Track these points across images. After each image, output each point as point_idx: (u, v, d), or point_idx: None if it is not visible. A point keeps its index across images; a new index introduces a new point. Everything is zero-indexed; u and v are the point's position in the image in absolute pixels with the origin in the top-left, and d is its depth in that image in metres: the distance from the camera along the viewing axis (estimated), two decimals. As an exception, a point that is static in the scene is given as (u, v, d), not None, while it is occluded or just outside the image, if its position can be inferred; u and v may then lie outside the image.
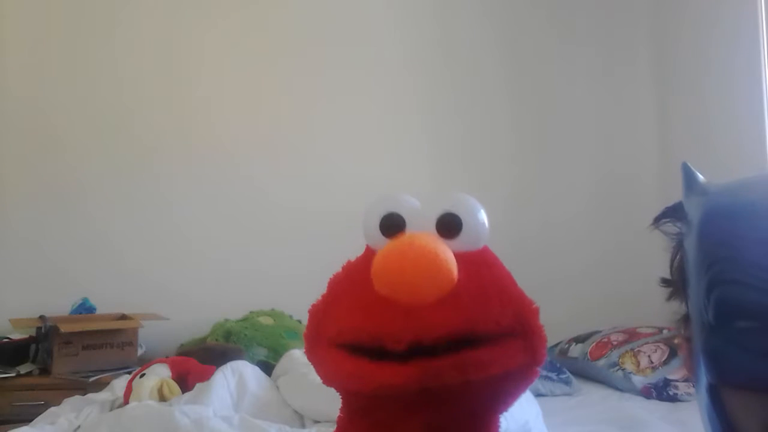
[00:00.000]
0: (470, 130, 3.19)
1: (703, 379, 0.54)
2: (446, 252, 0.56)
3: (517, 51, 3.25)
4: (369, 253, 0.63)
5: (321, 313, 0.63)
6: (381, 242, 0.61)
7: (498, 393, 0.60)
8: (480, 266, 0.61)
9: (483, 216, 0.63)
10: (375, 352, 0.56)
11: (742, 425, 0.52)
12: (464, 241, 0.61)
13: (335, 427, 0.64)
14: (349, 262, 0.66)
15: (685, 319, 0.59)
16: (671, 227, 0.63)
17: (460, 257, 0.57)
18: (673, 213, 0.63)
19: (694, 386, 0.58)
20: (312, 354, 0.63)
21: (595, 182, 3.25)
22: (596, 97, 3.27)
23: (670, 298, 0.62)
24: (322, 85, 3.07)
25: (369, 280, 0.57)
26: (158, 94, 2.96)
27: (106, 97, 2.93)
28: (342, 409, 0.63)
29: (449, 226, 0.61)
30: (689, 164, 0.62)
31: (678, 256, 0.61)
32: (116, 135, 2.92)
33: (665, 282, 0.63)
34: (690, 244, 0.56)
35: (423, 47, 3.18)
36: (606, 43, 3.29)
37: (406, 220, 0.62)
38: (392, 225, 0.62)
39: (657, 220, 0.64)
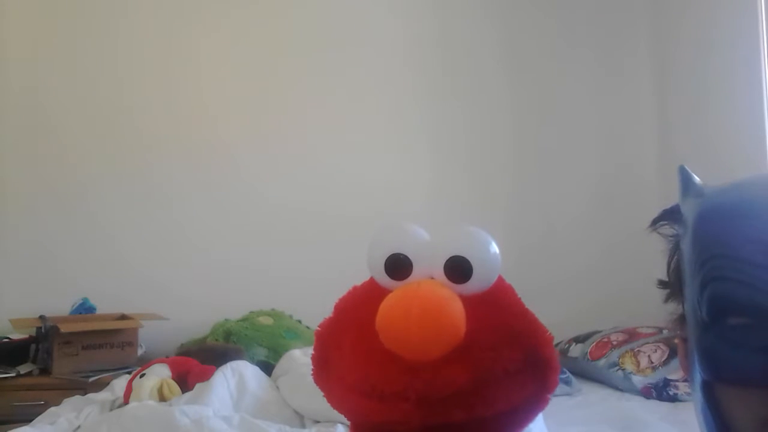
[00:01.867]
0: (471, 130, 3.19)
1: (698, 377, 0.55)
2: (453, 304, 0.54)
3: (517, 51, 3.25)
4: (374, 286, 0.61)
5: (327, 341, 0.62)
6: (386, 282, 0.60)
7: (506, 426, 0.58)
8: (491, 309, 0.58)
9: (494, 252, 0.60)
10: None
11: (736, 421, 0.52)
12: (474, 285, 0.58)
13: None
14: (355, 289, 0.64)
15: (681, 319, 0.60)
16: (668, 229, 0.63)
17: (468, 300, 0.55)
18: (671, 215, 0.63)
19: (689, 386, 0.58)
20: (319, 379, 0.63)
21: (595, 182, 3.25)
22: (596, 98, 3.27)
23: (667, 299, 0.63)
24: (322, 86, 3.07)
25: (372, 324, 0.55)
26: (158, 95, 2.96)
27: (106, 97, 2.92)
28: (351, 429, 0.63)
29: (458, 270, 0.58)
30: (686, 167, 0.62)
31: (675, 258, 0.62)
32: (116, 135, 2.92)
33: (662, 284, 0.64)
34: (686, 245, 0.57)
35: (423, 47, 3.18)
36: (606, 43, 3.29)
37: (413, 262, 0.60)
38: (398, 266, 0.60)
39: (654, 223, 0.65)
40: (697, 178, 0.61)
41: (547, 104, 3.25)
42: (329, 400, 0.62)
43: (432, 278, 0.59)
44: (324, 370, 0.62)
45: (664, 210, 0.65)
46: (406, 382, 0.53)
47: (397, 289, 0.58)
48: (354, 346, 0.58)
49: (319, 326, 0.64)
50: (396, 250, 0.60)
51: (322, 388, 0.62)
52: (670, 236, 0.63)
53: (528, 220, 3.13)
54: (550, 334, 0.60)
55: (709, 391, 0.54)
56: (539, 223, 3.16)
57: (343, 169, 3.03)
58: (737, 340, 0.50)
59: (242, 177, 2.98)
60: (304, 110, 3.05)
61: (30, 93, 2.88)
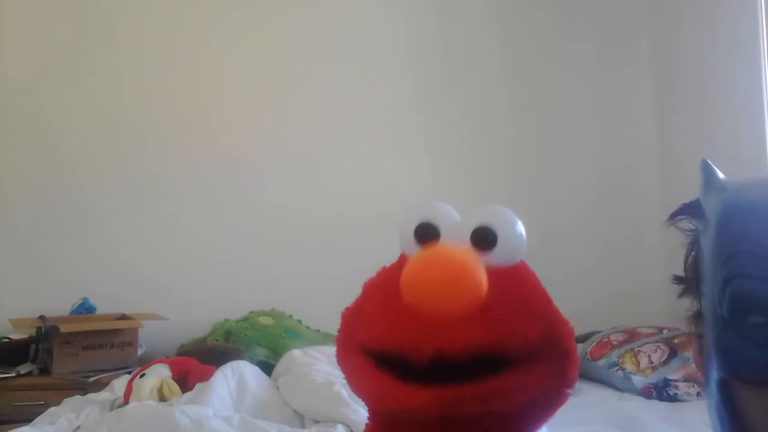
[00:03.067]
0: (471, 130, 3.19)
1: (714, 375, 0.54)
2: (477, 265, 0.55)
3: (517, 50, 3.24)
4: (402, 261, 0.62)
5: (353, 317, 0.63)
6: (415, 250, 0.61)
7: (524, 420, 0.58)
8: (513, 283, 0.59)
9: (520, 230, 0.62)
10: (400, 365, 0.55)
11: (753, 420, 0.52)
12: (498, 256, 0.60)
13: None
14: (383, 268, 0.65)
15: (697, 316, 0.59)
16: (687, 224, 0.63)
17: (492, 272, 0.56)
18: (690, 210, 0.63)
19: (704, 383, 0.58)
20: (342, 359, 0.63)
21: (595, 182, 3.25)
22: (596, 98, 3.27)
23: (682, 295, 0.62)
24: (322, 86, 3.06)
25: (399, 289, 0.55)
26: (158, 94, 2.96)
27: (105, 98, 2.92)
28: (370, 418, 0.63)
29: (484, 239, 0.60)
30: (709, 161, 0.62)
31: (693, 253, 0.61)
32: (116, 136, 2.92)
33: (678, 279, 0.63)
34: (707, 240, 0.56)
35: (423, 47, 3.18)
36: (606, 42, 3.29)
37: (441, 230, 0.61)
38: (427, 234, 0.61)
39: (673, 217, 0.64)
40: (720, 173, 0.60)
41: (547, 104, 3.25)
42: (349, 379, 0.62)
43: None
44: (346, 348, 0.62)
45: (683, 204, 0.64)
46: (424, 333, 0.53)
47: (424, 249, 0.59)
48: (377, 310, 0.59)
49: (346, 308, 0.65)
50: (425, 219, 0.62)
51: (343, 367, 0.62)
52: (689, 231, 0.62)
53: (528, 220, 3.07)
54: (571, 326, 0.60)
55: (725, 390, 0.53)
56: (539, 223, 3.16)
57: (343, 169, 3.03)
58: (758, 339, 0.49)
59: (242, 177, 2.98)
60: (304, 110, 3.05)
61: (30, 94, 2.88)
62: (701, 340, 0.58)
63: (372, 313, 0.60)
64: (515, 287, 0.59)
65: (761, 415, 0.51)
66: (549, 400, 0.58)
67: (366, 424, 0.63)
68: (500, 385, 0.54)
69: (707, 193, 0.60)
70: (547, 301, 0.62)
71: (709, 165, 0.61)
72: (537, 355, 0.57)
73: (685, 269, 0.62)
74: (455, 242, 0.60)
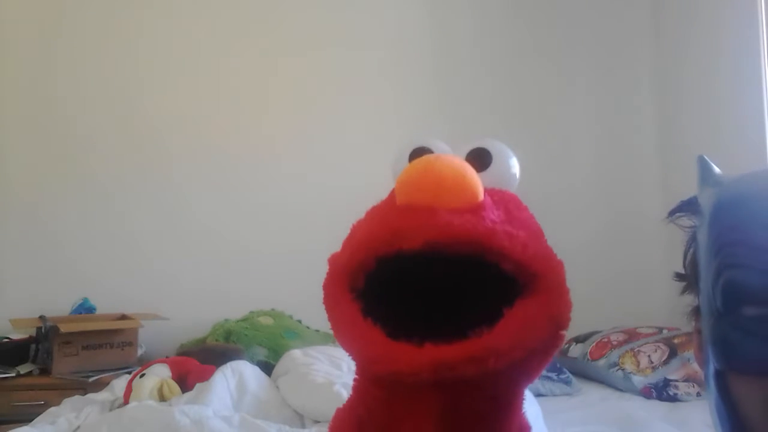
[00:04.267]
0: (471, 130, 3.19)
1: (711, 368, 0.54)
2: (473, 173, 0.55)
3: (518, 48, 3.24)
4: (391, 196, 0.60)
5: (339, 255, 0.60)
6: None
7: (521, 372, 0.55)
8: (507, 200, 0.59)
9: (514, 160, 0.63)
10: (390, 299, 0.53)
11: (749, 411, 0.52)
12: (493, 175, 0.60)
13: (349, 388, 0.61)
14: (372, 207, 0.63)
15: (697, 311, 0.59)
16: (686, 221, 0.63)
17: (488, 191, 0.56)
18: (688, 207, 0.63)
19: (704, 377, 0.58)
20: (329, 306, 0.59)
21: (595, 182, 3.25)
22: (597, 99, 3.27)
23: (683, 292, 0.62)
24: (322, 87, 3.06)
25: (389, 200, 0.55)
26: (158, 95, 2.96)
27: (105, 99, 2.92)
28: (357, 373, 0.59)
29: (479, 157, 0.60)
30: (706, 157, 0.62)
31: (691, 250, 0.61)
32: (116, 138, 2.92)
33: (679, 276, 0.63)
34: (702, 234, 0.57)
35: (421, 47, 3.18)
36: (606, 42, 3.28)
37: (435, 153, 0.61)
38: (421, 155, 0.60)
39: (672, 214, 0.64)
40: (716, 168, 0.60)
41: (547, 105, 3.24)
42: (337, 331, 0.58)
43: None
44: (335, 292, 0.58)
45: (682, 201, 0.64)
46: (418, 222, 0.51)
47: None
48: (367, 227, 0.57)
49: (331, 254, 0.62)
50: (420, 144, 0.62)
51: (331, 316, 0.58)
52: (688, 228, 0.63)
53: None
54: (560, 259, 0.58)
55: (722, 381, 0.53)
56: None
57: (343, 169, 3.03)
58: (751, 329, 0.49)
59: (243, 177, 2.98)
60: (303, 111, 3.05)
61: (33, 96, 2.89)
62: (701, 335, 0.58)
63: (361, 232, 0.58)
64: (509, 204, 0.58)
65: (757, 406, 0.51)
66: (545, 349, 0.54)
67: (354, 379, 0.60)
68: (496, 343, 0.50)
69: (703, 188, 0.60)
70: (540, 231, 0.59)
71: (706, 160, 0.61)
72: (530, 285, 0.53)
73: (685, 266, 0.62)
74: None
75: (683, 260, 0.63)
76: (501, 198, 0.58)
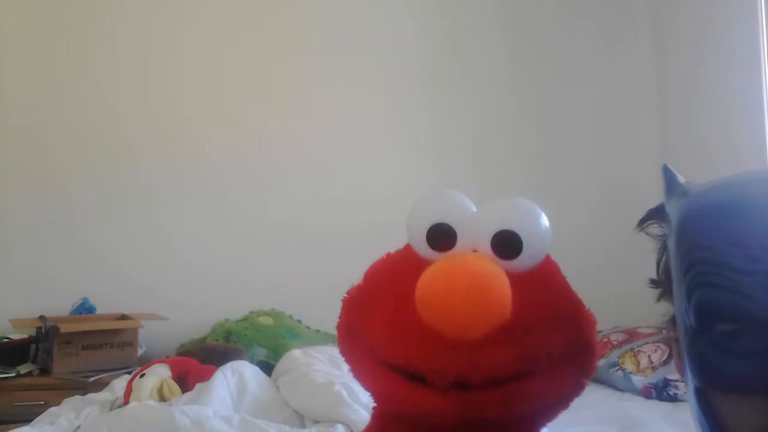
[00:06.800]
0: (473, 130, 3.19)
1: (690, 384, 0.54)
2: (501, 280, 0.50)
3: (522, 49, 3.24)
4: (410, 254, 0.57)
5: (354, 305, 0.57)
6: (427, 253, 0.55)
7: (543, 416, 0.56)
8: (536, 288, 0.55)
9: (545, 227, 0.57)
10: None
11: (732, 428, 0.51)
12: (523, 263, 0.54)
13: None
14: (389, 256, 0.59)
15: (673, 320, 0.58)
16: (656, 229, 0.62)
17: (515, 278, 0.52)
18: (657, 215, 0.63)
19: (686, 387, 0.57)
20: (344, 349, 0.58)
21: (596, 183, 3.25)
22: (597, 100, 3.27)
23: (659, 299, 0.62)
24: (322, 88, 3.06)
25: (410, 295, 0.51)
26: (158, 97, 2.96)
27: (105, 100, 2.92)
28: (376, 409, 0.59)
29: (508, 246, 0.54)
30: (669, 166, 0.61)
31: (663, 258, 0.60)
32: (114, 138, 2.92)
33: (654, 283, 0.63)
34: (671, 246, 0.56)
35: (418, 46, 3.17)
36: (606, 41, 3.29)
37: (458, 233, 0.55)
38: (441, 236, 0.55)
39: (641, 223, 0.64)
40: (681, 178, 0.59)
41: (547, 105, 3.24)
42: (355, 372, 0.57)
43: (476, 251, 0.55)
44: (350, 339, 0.57)
45: (649, 210, 0.64)
46: (446, 359, 0.49)
47: (441, 260, 0.53)
48: (389, 319, 0.54)
49: (347, 292, 0.59)
50: (439, 220, 0.55)
51: (348, 359, 0.58)
52: (659, 235, 0.62)
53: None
54: (593, 317, 0.58)
55: (703, 399, 0.53)
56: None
57: (342, 171, 3.03)
58: (726, 347, 0.49)
59: (244, 178, 2.98)
60: (303, 112, 3.05)
61: (32, 97, 2.89)
62: (678, 344, 0.58)
63: (381, 319, 0.54)
64: (541, 293, 0.55)
65: (739, 422, 0.50)
66: (569, 394, 0.56)
67: (374, 407, 0.59)
68: (524, 390, 0.51)
69: (669, 198, 0.59)
70: (571, 296, 0.58)
71: (669, 170, 0.61)
72: (561, 357, 0.54)
73: (658, 274, 0.62)
74: (473, 245, 0.54)
75: (656, 268, 0.62)
76: (528, 285, 0.54)
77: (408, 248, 0.58)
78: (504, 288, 0.50)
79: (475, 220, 0.56)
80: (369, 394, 0.57)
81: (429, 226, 0.55)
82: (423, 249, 0.55)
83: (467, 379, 0.50)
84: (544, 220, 0.57)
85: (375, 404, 0.59)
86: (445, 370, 0.49)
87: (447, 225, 0.55)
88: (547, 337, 0.53)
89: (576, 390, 0.56)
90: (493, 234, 0.54)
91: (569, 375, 0.55)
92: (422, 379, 0.51)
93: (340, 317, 0.59)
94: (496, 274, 0.50)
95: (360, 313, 0.57)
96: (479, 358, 0.49)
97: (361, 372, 0.56)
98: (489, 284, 0.49)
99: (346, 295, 0.59)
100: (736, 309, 0.47)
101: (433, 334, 0.49)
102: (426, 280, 0.50)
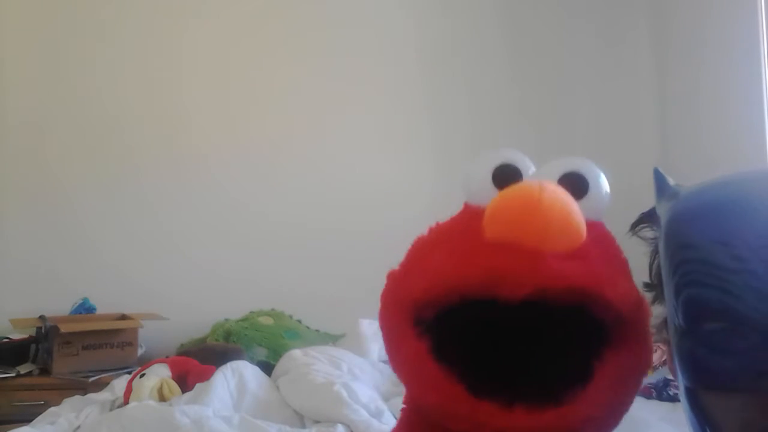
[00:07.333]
0: (474, 130, 3.19)
1: (682, 384, 0.54)
2: (578, 211, 0.49)
3: (519, 47, 3.24)
4: (467, 212, 0.54)
5: (402, 274, 0.53)
6: (493, 195, 0.52)
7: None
8: (603, 240, 0.54)
9: (606, 182, 0.57)
10: (471, 372, 0.47)
11: (721, 426, 0.51)
12: (588, 206, 0.53)
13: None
14: (438, 224, 0.56)
15: (666, 322, 0.59)
16: (648, 232, 0.63)
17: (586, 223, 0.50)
18: (649, 218, 0.63)
19: (678, 389, 0.58)
20: (391, 342, 0.53)
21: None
22: (597, 101, 3.27)
23: (653, 302, 0.62)
24: (322, 88, 3.06)
25: (474, 229, 0.48)
26: (161, 95, 2.96)
27: (105, 100, 2.93)
28: (407, 402, 0.55)
29: (576, 185, 0.53)
30: (660, 169, 0.62)
31: (656, 261, 0.61)
32: (114, 138, 2.92)
33: (647, 286, 0.63)
34: (660, 247, 0.56)
35: (417, 46, 3.17)
36: (606, 41, 3.29)
37: (524, 174, 0.54)
38: (507, 177, 0.53)
39: (634, 227, 0.65)
40: (671, 180, 0.60)
41: (547, 105, 3.24)
42: (401, 376, 0.51)
43: None
44: (392, 316, 0.52)
45: (642, 213, 0.64)
46: (525, 267, 0.45)
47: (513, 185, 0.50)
48: (448, 249, 0.50)
49: (391, 270, 0.55)
50: (507, 161, 0.54)
51: (391, 352, 0.52)
52: (651, 239, 0.63)
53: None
54: (646, 301, 0.56)
55: (694, 399, 0.53)
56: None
57: (344, 170, 3.03)
58: (714, 345, 0.49)
59: (244, 178, 2.98)
60: (303, 112, 3.04)
61: (33, 96, 2.89)
62: (671, 347, 0.58)
63: (437, 257, 0.50)
64: (605, 242, 0.54)
65: (728, 420, 0.50)
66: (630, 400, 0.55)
67: (402, 409, 0.56)
68: (592, 411, 0.50)
69: (660, 201, 0.60)
70: (628, 268, 0.56)
71: (660, 173, 0.61)
72: (619, 331, 0.51)
73: (651, 277, 0.62)
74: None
75: (649, 271, 0.63)
76: (597, 235, 0.53)
77: (465, 211, 0.55)
78: (580, 213, 0.48)
79: (540, 167, 0.56)
80: (404, 389, 0.53)
81: (495, 167, 0.54)
82: (488, 191, 0.53)
83: (545, 292, 0.46)
84: (604, 177, 0.57)
85: (403, 400, 0.55)
86: (523, 278, 0.46)
87: (513, 165, 0.54)
88: (620, 278, 0.51)
89: (636, 391, 0.55)
90: (560, 175, 0.54)
91: (632, 378, 0.53)
92: (492, 302, 0.46)
93: (385, 288, 0.54)
94: (574, 201, 0.49)
95: (404, 276, 0.53)
96: (560, 268, 0.46)
97: (412, 374, 0.51)
98: (569, 204, 0.48)
99: (391, 271, 0.55)
100: (723, 307, 0.48)
101: (507, 247, 0.46)
102: (500, 197, 0.48)
